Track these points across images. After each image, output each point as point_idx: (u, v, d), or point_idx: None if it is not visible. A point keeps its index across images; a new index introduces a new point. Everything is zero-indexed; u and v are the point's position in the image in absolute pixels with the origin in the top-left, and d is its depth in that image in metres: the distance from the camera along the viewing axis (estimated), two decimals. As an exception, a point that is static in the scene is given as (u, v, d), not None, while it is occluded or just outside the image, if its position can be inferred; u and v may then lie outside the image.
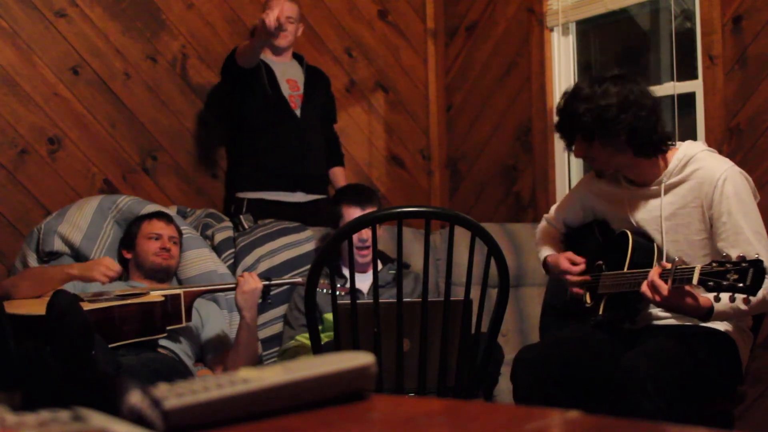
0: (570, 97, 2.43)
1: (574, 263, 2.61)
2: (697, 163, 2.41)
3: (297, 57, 4.01)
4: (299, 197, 3.86)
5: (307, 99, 3.91)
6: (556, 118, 2.54)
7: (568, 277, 2.61)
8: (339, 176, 4.06)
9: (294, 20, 3.85)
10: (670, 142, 2.44)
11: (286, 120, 3.84)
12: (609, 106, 2.34)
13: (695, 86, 3.37)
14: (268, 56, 3.84)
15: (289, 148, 3.83)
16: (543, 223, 2.88)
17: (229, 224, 3.66)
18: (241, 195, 3.83)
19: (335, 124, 4.14)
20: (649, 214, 2.49)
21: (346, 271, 3.17)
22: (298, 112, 3.87)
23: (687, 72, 3.45)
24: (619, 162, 2.45)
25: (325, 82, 4.09)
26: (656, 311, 2.50)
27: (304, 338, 3.09)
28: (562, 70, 4.04)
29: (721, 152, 2.54)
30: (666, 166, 2.45)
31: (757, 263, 2.04)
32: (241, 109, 3.83)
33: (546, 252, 2.76)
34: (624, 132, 2.36)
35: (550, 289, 2.90)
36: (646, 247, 2.47)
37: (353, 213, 3.17)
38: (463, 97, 4.52)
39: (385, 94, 4.53)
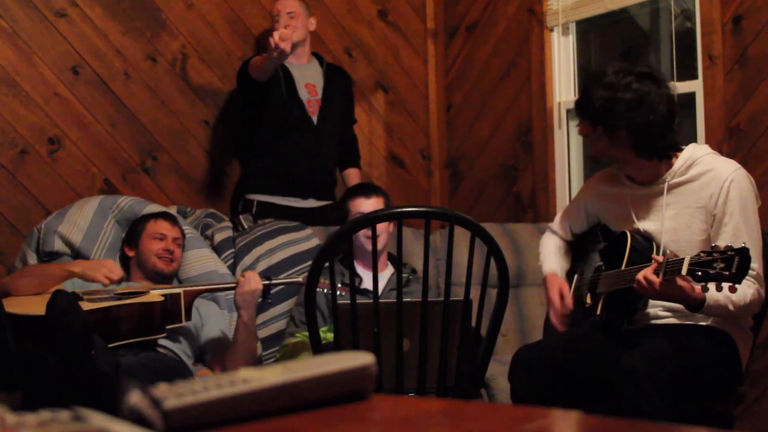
0: (593, 77, 2.48)
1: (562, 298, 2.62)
2: (704, 165, 2.42)
3: (317, 57, 3.98)
4: (311, 203, 3.86)
5: (325, 103, 3.87)
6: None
7: (551, 314, 2.63)
8: (353, 178, 4.01)
9: (294, 15, 3.79)
10: (674, 152, 2.45)
11: (303, 126, 3.81)
12: (620, 101, 2.36)
13: (695, 86, 3.37)
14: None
15: (303, 154, 3.80)
16: (547, 234, 2.88)
17: (229, 224, 3.66)
18: (251, 197, 3.82)
19: (354, 124, 4.12)
20: (651, 213, 2.50)
21: (359, 269, 3.18)
22: (314, 119, 3.84)
23: (687, 72, 3.45)
24: (614, 154, 2.49)
25: (345, 81, 4.04)
26: (655, 311, 2.50)
27: (304, 335, 3.09)
28: (562, 70, 4.04)
29: (721, 152, 2.56)
30: (669, 166, 2.46)
31: (743, 251, 2.08)
32: (257, 113, 3.80)
33: (549, 266, 2.75)
34: (625, 129, 2.38)
35: None
36: (644, 247, 2.48)
37: (359, 203, 3.20)
38: (463, 97, 4.52)
39: (385, 94, 4.53)
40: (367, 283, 3.03)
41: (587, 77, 2.55)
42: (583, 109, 2.48)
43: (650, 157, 2.44)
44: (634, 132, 2.38)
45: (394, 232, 2.50)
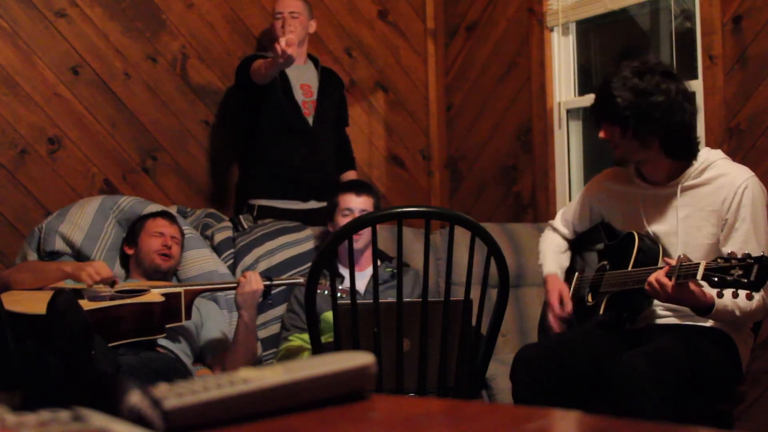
0: (615, 82, 2.39)
1: (562, 303, 2.62)
2: (718, 169, 2.43)
3: (312, 59, 3.98)
4: (312, 205, 3.85)
5: (320, 104, 3.87)
6: (593, 97, 2.50)
7: (550, 316, 2.63)
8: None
9: (296, 15, 3.79)
10: (697, 152, 2.46)
11: (299, 127, 3.81)
12: (656, 105, 2.34)
13: (695, 86, 3.37)
14: None
15: (301, 156, 3.79)
16: (547, 231, 2.87)
17: (229, 224, 3.66)
18: (252, 201, 3.81)
19: (347, 126, 4.12)
20: (662, 214, 2.49)
21: (343, 270, 3.17)
22: (310, 120, 3.83)
23: (687, 72, 3.45)
24: (645, 157, 2.46)
25: (338, 85, 4.05)
26: (657, 310, 2.50)
27: (299, 339, 3.09)
28: (562, 70, 4.04)
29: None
30: (686, 168, 2.45)
31: (763, 260, 2.08)
32: (254, 115, 3.80)
33: (549, 267, 2.75)
34: (658, 132, 2.37)
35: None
36: (651, 248, 2.47)
37: (348, 199, 3.20)
38: (463, 97, 4.52)
39: (385, 94, 4.53)
40: (348, 283, 2.98)
41: (606, 81, 2.42)
42: (608, 115, 2.42)
43: (681, 158, 2.43)
44: (668, 134, 2.37)
45: (394, 232, 2.49)
